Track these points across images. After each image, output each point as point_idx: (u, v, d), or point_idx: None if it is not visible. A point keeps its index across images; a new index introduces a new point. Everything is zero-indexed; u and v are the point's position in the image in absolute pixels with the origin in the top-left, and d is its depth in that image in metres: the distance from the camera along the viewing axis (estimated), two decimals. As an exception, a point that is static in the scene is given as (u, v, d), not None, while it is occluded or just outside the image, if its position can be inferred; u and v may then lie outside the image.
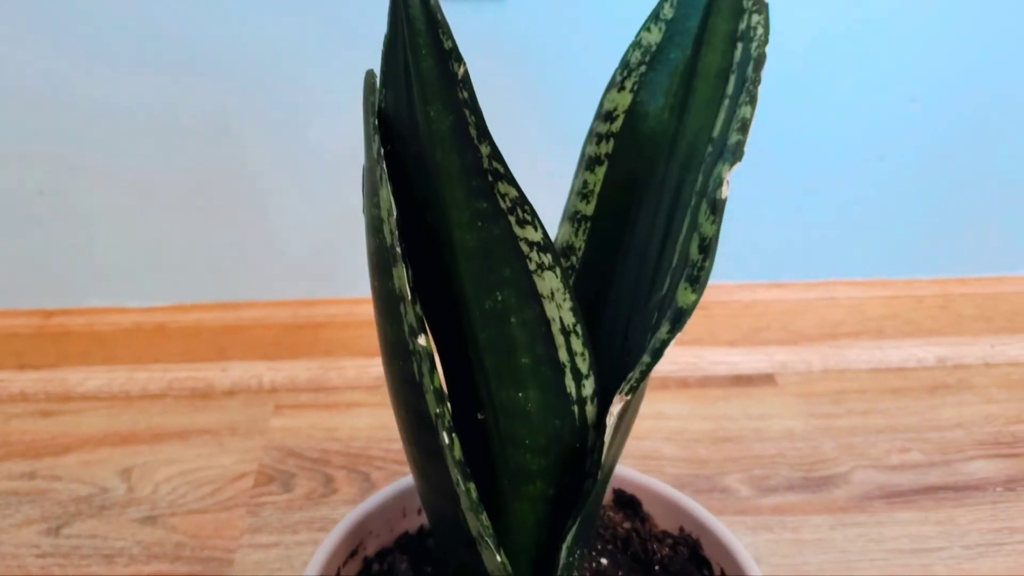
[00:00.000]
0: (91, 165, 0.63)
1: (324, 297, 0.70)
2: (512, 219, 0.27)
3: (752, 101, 0.26)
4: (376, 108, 0.27)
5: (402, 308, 0.26)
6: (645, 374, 0.28)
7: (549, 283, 0.28)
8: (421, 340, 0.27)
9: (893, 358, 0.70)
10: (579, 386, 0.29)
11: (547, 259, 0.28)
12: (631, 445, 0.61)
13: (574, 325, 0.29)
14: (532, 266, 0.28)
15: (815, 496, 0.57)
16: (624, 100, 0.32)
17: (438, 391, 0.27)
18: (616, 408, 0.27)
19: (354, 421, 0.64)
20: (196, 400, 0.67)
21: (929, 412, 0.65)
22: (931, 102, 0.65)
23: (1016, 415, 0.64)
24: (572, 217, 0.34)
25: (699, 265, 0.26)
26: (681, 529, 0.38)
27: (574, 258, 0.35)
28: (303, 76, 0.61)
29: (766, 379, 0.69)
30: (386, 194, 0.26)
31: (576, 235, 0.34)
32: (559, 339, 0.29)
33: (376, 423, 0.64)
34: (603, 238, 0.34)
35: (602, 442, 0.28)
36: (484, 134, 0.26)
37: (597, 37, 0.61)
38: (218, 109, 0.62)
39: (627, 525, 0.40)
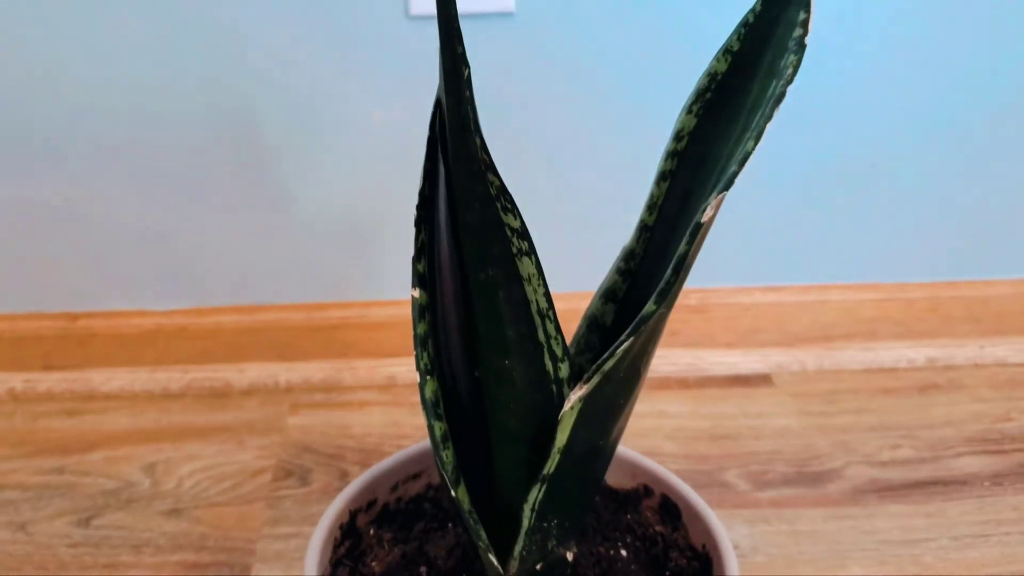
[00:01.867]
0: (113, 174, 0.66)
1: (337, 300, 0.72)
2: (498, 205, 0.30)
3: (758, 136, 0.29)
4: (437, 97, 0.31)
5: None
6: (605, 374, 0.31)
7: (527, 268, 0.31)
8: (415, 292, 0.33)
9: (885, 359, 0.73)
10: (556, 368, 0.33)
11: (524, 246, 0.31)
12: (633, 442, 0.63)
13: (547, 310, 0.32)
14: (514, 250, 0.31)
15: (810, 490, 0.59)
16: (690, 123, 0.35)
17: (420, 336, 0.33)
18: (574, 396, 0.31)
19: (367, 419, 0.67)
20: (215, 399, 0.69)
21: (919, 411, 0.67)
22: (920, 110, 0.67)
23: (1003, 413, 0.67)
24: (639, 227, 0.37)
25: (669, 280, 0.29)
26: (703, 547, 0.40)
27: (633, 263, 0.38)
28: (321, 84, 0.64)
29: (763, 379, 0.71)
30: (426, 164, 0.32)
31: (638, 243, 0.37)
32: (536, 320, 0.32)
33: (388, 420, 0.66)
34: (656, 248, 0.37)
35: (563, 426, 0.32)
36: (478, 127, 0.29)
37: (603, 53, 0.64)
38: (237, 119, 0.64)
39: (659, 528, 0.42)
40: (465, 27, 0.63)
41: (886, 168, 0.69)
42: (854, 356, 0.73)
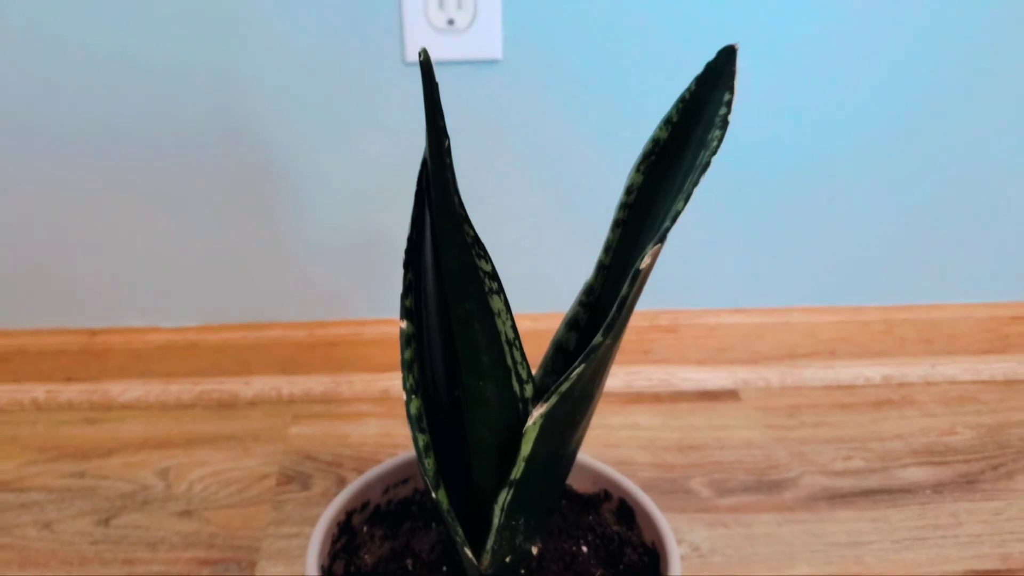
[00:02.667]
0: (132, 204, 0.71)
1: (336, 319, 0.77)
2: (473, 252, 0.36)
3: (687, 198, 0.34)
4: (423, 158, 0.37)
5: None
6: (562, 394, 0.36)
7: (496, 304, 0.37)
8: (403, 323, 0.38)
9: (843, 376, 0.78)
10: (522, 388, 0.38)
11: (495, 286, 0.37)
12: (608, 452, 0.69)
13: (514, 339, 0.38)
14: (486, 288, 0.36)
15: (767, 497, 0.64)
16: (638, 180, 0.41)
17: (406, 361, 0.38)
18: (536, 413, 0.36)
19: (363, 429, 0.72)
20: (223, 410, 0.75)
21: (873, 425, 0.73)
22: (871, 148, 0.72)
23: (949, 428, 0.72)
24: (597, 266, 0.43)
25: (614, 316, 0.34)
26: (652, 544, 0.46)
27: (592, 297, 0.44)
28: (324, 122, 0.69)
29: (730, 394, 0.77)
30: (414, 214, 0.37)
31: (596, 279, 0.43)
32: (505, 348, 0.37)
33: (382, 431, 0.72)
34: (612, 285, 0.42)
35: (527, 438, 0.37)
36: (456, 187, 0.35)
37: (586, 99, 0.69)
38: (246, 153, 0.70)
39: (617, 528, 0.48)
40: (456, 73, 0.69)
41: (843, 200, 0.74)
42: (815, 374, 0.78)
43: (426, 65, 0.33)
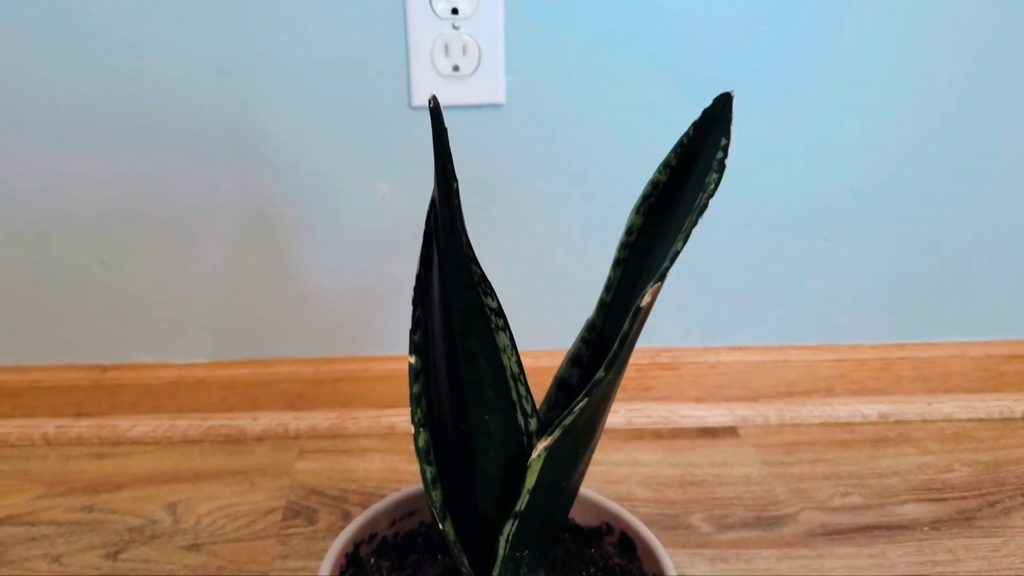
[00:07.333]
0: (144, 243, 0.73)
1: (342, 355, 0.78)
2: (480, 290, 0.37)
3: (685, 238, 0.36)
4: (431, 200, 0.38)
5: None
6: (565, 428, 0.37)
7: (502, 340, 0.38)
8: (411, 358, 0.40)
9: (841, 414, 0.79)
10: (526, 422, 0.39)
11: (501, 322, 0.38)
12: (609, 488, 0.70)
13: (519, 374, 0.39)
14: (492, 325, 0.38)
15: (766, 533, 0.65)
16: (638, 221, 0.42)
17: (415, 395, 0.39)
18: (540, 446, 0.38)
19: (368, 464, 0.73)
20: (230, 445, 0.76)
21: (870, 462, 0.74)
22: (867, 191, 0.74)
23: (947, 465, 0.73)
24: (599, 303, 0.44)
25: (615, 352, 0.36)
26: (654, 575, 0.47)
27: (594, 334, 0.45)
28: (332, 163, 0.71)
29: (729, 431, 0.78)
30: (422, 252, 0.39)
31: (598, 316, 0.45)
32: (511, 383, 0.39)
33: (387, 466, 0.73)
34: (614, 322, 0.44)
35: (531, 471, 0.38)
36: (464, 227, 0.36)
37: (582, 142, 0.71)
38: (256, 194, 0.72)
39: (618, 560, 0.49)
40: (461, 117, 0.71)
41: (839, 242, 0.76)
42: (813, 411, 0.79)
43: (435, 111, 0.35)
